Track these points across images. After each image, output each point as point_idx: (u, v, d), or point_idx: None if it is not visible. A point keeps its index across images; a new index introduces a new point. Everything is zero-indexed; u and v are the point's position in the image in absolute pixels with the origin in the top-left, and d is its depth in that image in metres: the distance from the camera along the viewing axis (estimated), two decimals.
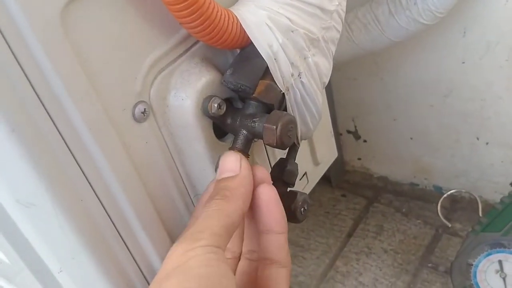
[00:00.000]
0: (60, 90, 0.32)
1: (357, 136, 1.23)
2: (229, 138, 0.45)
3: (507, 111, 0.95)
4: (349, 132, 1.23)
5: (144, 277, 0.42)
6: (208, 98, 0.41)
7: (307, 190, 0.63)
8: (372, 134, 1.20)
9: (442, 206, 1.04)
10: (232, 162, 0.39)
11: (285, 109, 0.44)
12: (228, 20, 0.38)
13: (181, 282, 0.30)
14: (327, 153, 0.66)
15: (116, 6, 0.35)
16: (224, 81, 0.41)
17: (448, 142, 1.07)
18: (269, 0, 0.41)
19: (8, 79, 0.29)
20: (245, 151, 0.41)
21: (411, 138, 1.12)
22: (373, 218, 1.16)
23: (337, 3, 0.45)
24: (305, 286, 1.06)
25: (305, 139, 0.49)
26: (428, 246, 1.07)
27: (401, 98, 1.06)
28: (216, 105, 0.40)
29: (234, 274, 0.42)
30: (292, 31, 0.41)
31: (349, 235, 1.14)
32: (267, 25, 0.40)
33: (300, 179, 0.60)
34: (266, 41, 0.40)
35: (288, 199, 0.44)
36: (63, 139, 0.33)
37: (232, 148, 0.41)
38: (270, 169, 0.50)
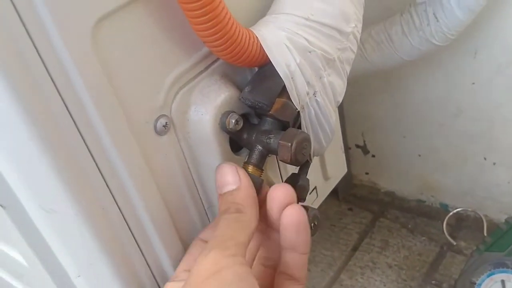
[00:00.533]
0: (87, 102, 0.33)
1: (365, 151, 1.24)
2: (244, 152, 0.47)
3: None
4: (357, 146, 1.24)
5: (158, 284, 0.43)
6: (226, 114, 0.42)
7: (316, 205, 0.64)
8: (381, 150, 1.21)
9: (447, 224, 1.05)
10: (230, 174, 0.40)
11: (300, 127, 0.45)
12: (249, 39, 0.40)
13: None
14: (337, 169, 0.67)
15: (143, 24, 0.36)
16: (242, 97, 0.43)
17: (456, 160, 1.08)
18: (288, 21, 0.42)
19: (40, 90, 0.31)
20: (260, 166, 0.43)
21: (419, 155, 1.13)
22: (379, 233, 1.17)
23: (354, 25, 0.46)
24: None
25: (317, 156, 0.50)
26: (432, 263, 1.07)
27: (411, 115, 1.07)
28: (233, 121, 0.42)
29: None
30: (310, 52, 0.43)
31: (355, 249, 1.15)
32: (286, 45, 0.41)
33: (309, 193, 0.61)
34: (284, 60, 0.41)
35: None
36: (88, 148, 0.35)
37: (247, 162, 0.43)
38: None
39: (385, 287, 1.04)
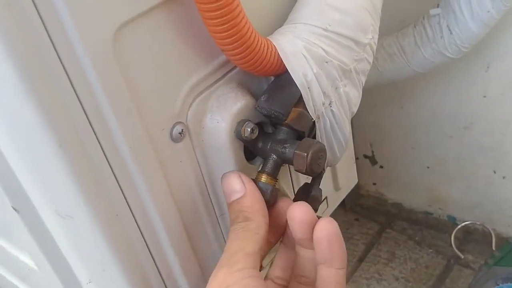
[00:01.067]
0: (105, 108, 0.33)
1: (373, 161, 1.23)
2: (258, 161, 0.47)
3: None
4: (366, 156, 1.24)
5: None
6: (242, 122, 0.42)
7: (326, 215, 0.64)
8: (389, 160, 1.21)
9: (455, 237, 1.05)
10: (235, 182, 0.40)
11: (314, 136, 0.45)
12: (267, 48, 0.39)
13: None
14: (348, 179, 0.67)
15: (162, 31, 0.36)
16: (258, 106, 0.42)
17: (465, 173, 1.07)
18: (306, 31, 0.42)
19: (59, 95, 0.31)
20: (274, 175, 0.43)
21: (428, 167, 1.13)
22: (386, 244, 1.16)
23: (371, 37, 0.46)
24: None
25: (330, 166, 0.50)
26: (439, 276, 1.06)
27: (421, 127, 1.07)
28: (249, 129, 0.42)
29: None
30: (327, 62, 0.43)
31: (361, 260, 1.14)
32: (303, 55, 0.41)
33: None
34: (301, 70, 0.41)
35: None
36: (105, 155, 0.35)
37: (261, 171, 0.42)
38: (294, 194, 0.51)
39: None
